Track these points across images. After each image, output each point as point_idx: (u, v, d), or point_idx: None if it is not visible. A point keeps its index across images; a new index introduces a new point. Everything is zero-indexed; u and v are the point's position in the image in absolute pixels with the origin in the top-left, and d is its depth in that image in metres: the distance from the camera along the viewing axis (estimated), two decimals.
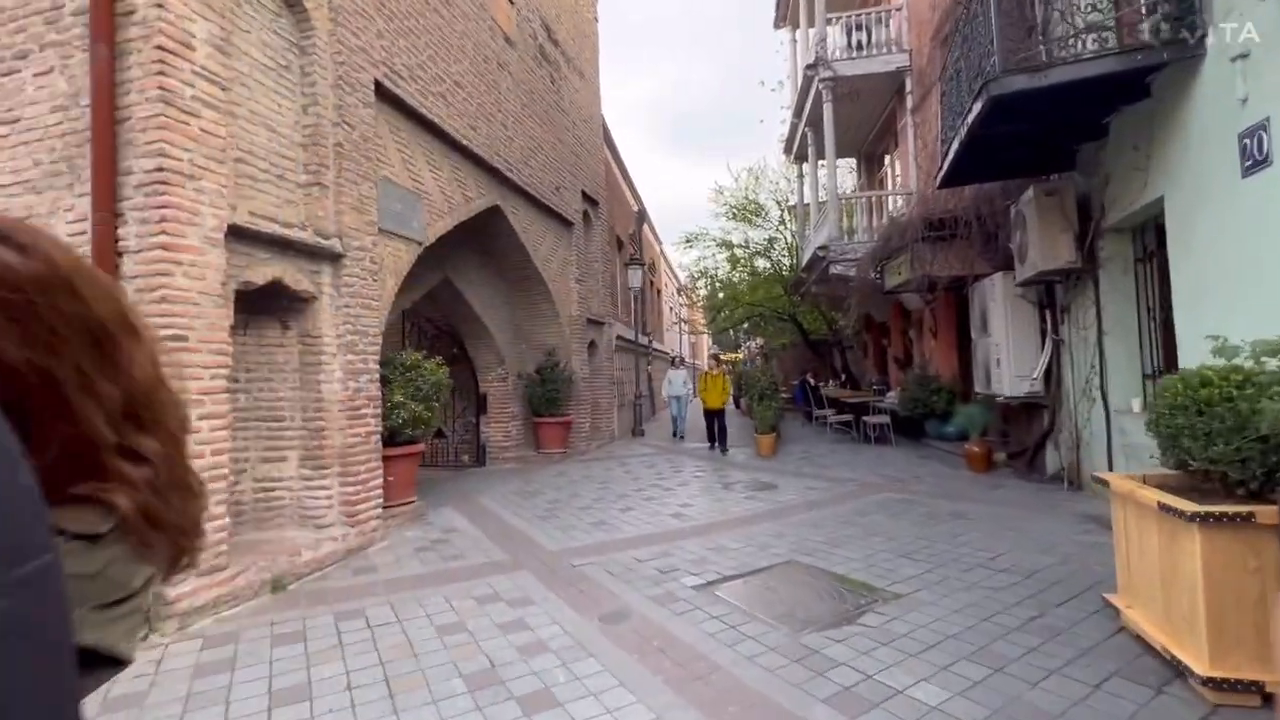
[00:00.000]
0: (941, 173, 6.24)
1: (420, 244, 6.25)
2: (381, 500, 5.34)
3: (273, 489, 4.86)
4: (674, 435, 12.10)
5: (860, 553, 4.59)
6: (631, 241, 16.03)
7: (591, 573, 4.46)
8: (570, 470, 9.17)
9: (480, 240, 8.82)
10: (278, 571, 4.21)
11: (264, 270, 4.40)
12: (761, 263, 18.51)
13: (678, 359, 11.84)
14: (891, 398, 11.56)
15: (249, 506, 4.78)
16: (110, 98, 3.61)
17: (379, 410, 5.37)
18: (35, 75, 3.87)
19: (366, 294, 5.27)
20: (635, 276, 13.66)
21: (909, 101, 10.58)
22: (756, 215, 17.84)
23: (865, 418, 10.64)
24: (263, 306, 4.78)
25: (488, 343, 9.60)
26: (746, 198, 17.79)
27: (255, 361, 4.83)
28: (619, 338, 13.41)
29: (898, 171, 12.30)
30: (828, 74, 10.58)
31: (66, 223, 3.71)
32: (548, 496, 7.28)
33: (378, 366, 5.38)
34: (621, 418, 13.33)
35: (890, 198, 11.57)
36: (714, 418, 10.54)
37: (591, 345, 11.53)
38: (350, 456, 5.01)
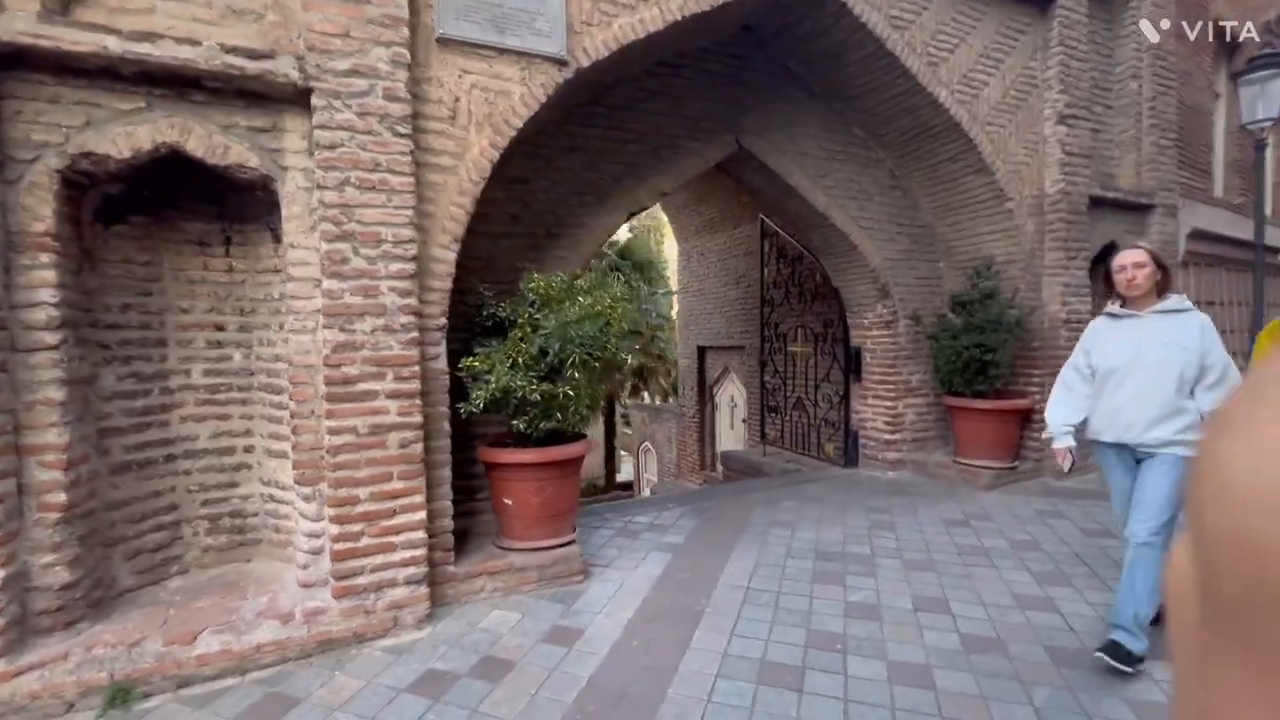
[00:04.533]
0: None
1: (560, 64, 3.23)
2: (421, 561, 2.85)
3: (280, 500, 3.07)
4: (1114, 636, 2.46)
5: None
6: (1271, 33, 7.72)
7: None
8: (997, 514, 4.39)
9: (804, 62, 4.91)
10: (128, 670, 2.34)
11: (125, 133, 2.44)
12: None
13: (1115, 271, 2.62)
14: None
15: (259, 520, 3.13)
16: None
17: (418, 385, 2.84)
18: None
19: (373, 161, 2.74)
20: (1266, 100, 6.22)
21: None
22: None
23: None
24: (247, 208, 2.92)
25: (852, 261, 5.56)
26: None
27: (251, 298, 3.04)
28: (1198, 234, 6.47)
29: None
30: None
31: None
32: (867, 595, 3.23)
33: (414, 301, 2.82)
34: None
35: None
36: None
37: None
38: (341, 469, 2.71)
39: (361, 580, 2.74)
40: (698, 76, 4.57)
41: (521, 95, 3.15)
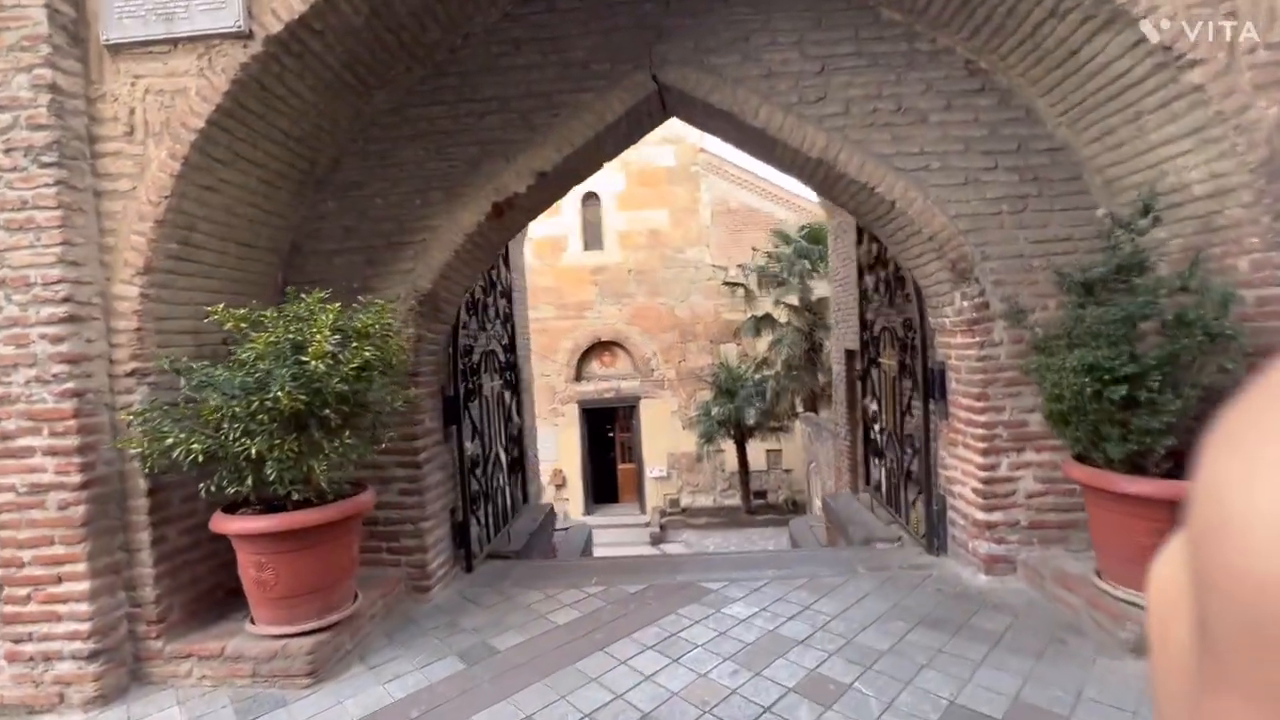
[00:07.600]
0: None
1: (244, 38, 2.54)
2: (86, 636, 2.54)
3: None
4: None
5: None
6: None
7: None
8: (1093, 713, 2.12)
9: None
10: None
11: None
12: None
13: None
14: None
15: None
16: None
17: (76, 441, 2.52)
18: None
19: (19, 199, 2.49)
20: None
21: None
22: None
23: None
24: None
25: (901, 225, 3.42)
26: None
27: None
28: None
29: None
30: None
31: None
32: None
33: (68, 348, 2.51)
34: None
35: None
36: None
37: None
38: (4, 529, 2.57)
39: (28, 648, 2.57)
40: (583, 4, 3.31)
41: (199, 89, 2.59)
